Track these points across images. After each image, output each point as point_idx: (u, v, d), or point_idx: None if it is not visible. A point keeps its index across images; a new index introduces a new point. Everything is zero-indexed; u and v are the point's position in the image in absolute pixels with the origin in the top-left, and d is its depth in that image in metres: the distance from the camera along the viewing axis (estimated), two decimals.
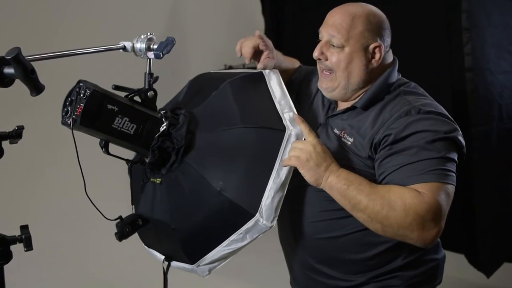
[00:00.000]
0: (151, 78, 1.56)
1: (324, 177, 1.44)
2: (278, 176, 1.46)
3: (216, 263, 1.58)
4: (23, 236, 1.27)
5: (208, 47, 4.58)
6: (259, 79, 1.67)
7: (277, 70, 1.71)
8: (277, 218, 1.47)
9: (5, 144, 1.27)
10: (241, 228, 1.47)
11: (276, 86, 1.64)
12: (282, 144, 1.50)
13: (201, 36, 4.65)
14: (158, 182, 1.61)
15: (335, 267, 1.60)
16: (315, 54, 1.57)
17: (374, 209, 1.38)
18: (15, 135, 1.27)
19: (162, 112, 1.58)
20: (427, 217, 1.36)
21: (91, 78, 1.49)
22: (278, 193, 1.45)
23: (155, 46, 1.51)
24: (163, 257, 1.70)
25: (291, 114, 1.56)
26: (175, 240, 1.57)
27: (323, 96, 1.70)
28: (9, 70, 1.15)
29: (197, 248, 1.56)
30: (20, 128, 1.27)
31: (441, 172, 1.40)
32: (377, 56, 1.55)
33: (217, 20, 4.76)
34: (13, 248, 1.27)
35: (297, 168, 1.45)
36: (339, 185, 1.42)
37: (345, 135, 1.56)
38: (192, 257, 1.58)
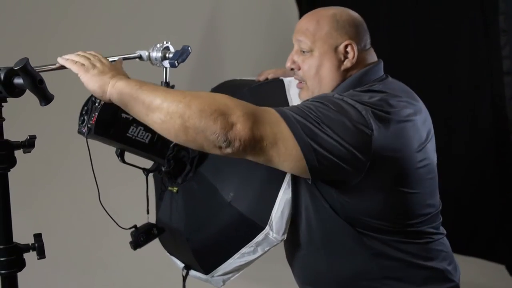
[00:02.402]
0: (168, 87, 1.56)
1: (111, 83, 1.25)
2: (288, 188, 1.42)
3: (230, 274, 1.56)
4: (36, 245, 1.28)
5: (246, 54, 4.59)
6: (279, 87, 1.65)
7: None
8: (287, 231, 1.44)
9: (19, 153, 1.29)
10: (252, 241, 1.45)
11: (295, 95, 1.61)
12: None
13: (239, 42, 4.66)
14: (175, 191, 1.61)
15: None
16: (287, 64, 1.51)
17: (173, 102, 1.18)
18: (28, 144, 1.28)
19: None
20: (234, 109, 1.19)
21: None
22: (288, 206, 1.42)
23: (171, 55, 1.51)
24: (182, 265, 1.70)
25: None
26: (189, 250, 1.57)
27: None
28: (18, 81, 1.16)
29: (210, 259, 1.55)
30: (33, 138, 1.28)
31: (295, 123, 1.23)
32: (351, 55, 1.44)
33: (254, 26, 4.76)
34: (26, 256, 1.28)
35: (78, 75, 1.28)
36: (129, 87, 1.23)
37: None
38: (206, 267, 1.57)
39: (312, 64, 1.46)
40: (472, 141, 3.35)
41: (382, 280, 1.41)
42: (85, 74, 1.26)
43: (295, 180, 1.43)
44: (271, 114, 1.24)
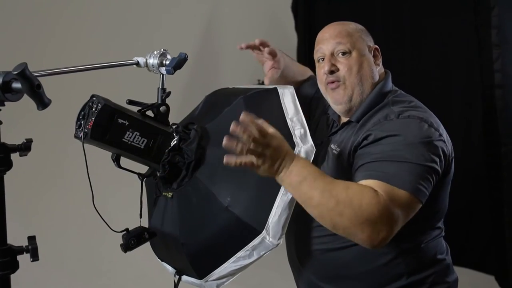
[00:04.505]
0: (164, 93, 1.58)
1: (277, 174, 1.36)
2: (286, 194, 1.44)
3: (224, 279, 1.57)
4: (30, 247, 1.30)
5: (242, 63, 4.60)
6: (273, 95, 1.67)
7: (292, 87, 1.71)
8: (284, 235, 1.46)
9: (15, 156, 1.30)
10: (248, 245, 1.46)
11: (289, 103, 1.63)
12: None
13: (235, 51, 4.67)
14: (169, 196, 1.63)
15: (337, 284, 1.57)
16: (326, 68, 1.58)
17: (328, 206, 1.31)
18: (24, 147, 1.30)
19: (173, 127, 1.59)
20: (380, 220, 1.30)
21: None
22: (285, 211, 1.44)
23: (168, 62, 1.53)
24: (174, 270, 1.71)
25: (302, 131, 1.56)
26: (183, 255, 1.58)
27: (327, 116, 1.72)
28: (16, 85, 1.18)
29: (205, 264, 1.56)
30: (29, 141, 1.31)
31: (412, 182, 1.36)
32: (378, 57, 1.62)
33: (251, 35, 4.77)
34: (19, 258, 1.29)
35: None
36: (289, 181, 1.34)
37: (336, 147, 1.58)
38: (200, 272, 1.58)
39: (352, 63, 1.56)
40: (463, 153, 3.37)
41: (406, 274, 1.51)
42: (257, 170, 1.34)
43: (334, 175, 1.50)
44: (404, 199, 1.34)
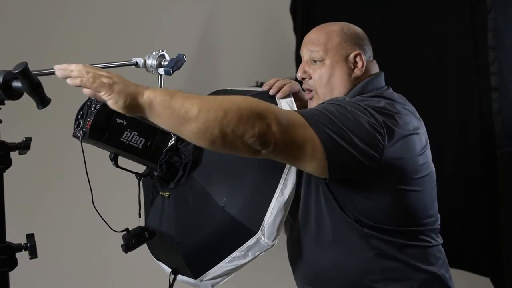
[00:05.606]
0: None
1: (139, 93, 1.18)
2: (281, 195, 1.45)
3: (219, 279, 1.58)
4: (28, 244, 1.31)
5: (241, 64, 4.63)
6: (270, 97, 1.69)
7: None
8: (279, 236, 1.47)
9: (15, 155, 1.32)
10: (243, 245, 1.47)
11: (286, 106, 1.65)
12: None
13: (234, 53, 4.70)
14: (166, 196, 1.64)
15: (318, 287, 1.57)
16: (298, 74, 1.60)
17: (211, 110, 1.18)
18: (24, 146, 1.32)
19: None
20: (267, 111, 1.22)
21: None
22: (280, 212, 1.45)
23: (166, 63, 1.54)
24: (170, 270, 1.72)
25: None
26: (179, 254, 1.59)
27: None
28: (17, 84, 1.19)
29: (200, 263, 1.58)
30: (28, 140, 1.32)
31: (323, 129, 1.29)
32: (359, 64, 1.56)
33: (249, 37, 4.81)
34: (18, 255, 1.31)
35: (104, 95, 1.16)
36: (160, 97, 1.18)
37: None
38: (196, 271, 1.59)
39: (323, 73, 1.55)
40: (460, 156, 3.40)
41: (382, 280, 1.46)
42: (110, 91, 1.16)
43: (307, 180, 1.51)
44: (298, 117, 1.30)
